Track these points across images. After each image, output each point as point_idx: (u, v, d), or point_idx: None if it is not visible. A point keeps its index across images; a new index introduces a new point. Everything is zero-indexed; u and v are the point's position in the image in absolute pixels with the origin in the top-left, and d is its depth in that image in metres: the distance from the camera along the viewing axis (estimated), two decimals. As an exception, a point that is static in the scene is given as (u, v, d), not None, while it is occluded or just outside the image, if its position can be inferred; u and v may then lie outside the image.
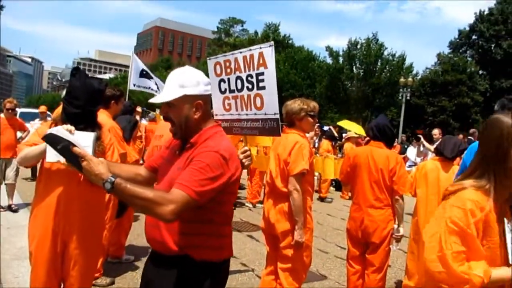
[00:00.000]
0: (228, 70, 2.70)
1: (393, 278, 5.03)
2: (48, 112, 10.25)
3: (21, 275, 4.12)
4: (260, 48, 2.50)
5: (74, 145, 1.77)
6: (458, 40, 37.65)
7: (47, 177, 2.80)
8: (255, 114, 2.59)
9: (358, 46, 34.11)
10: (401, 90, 27.76)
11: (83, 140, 2.65)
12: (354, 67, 34.50)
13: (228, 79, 2.71)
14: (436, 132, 8.80)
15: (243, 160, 2.44)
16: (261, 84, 2.52)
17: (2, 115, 7.25)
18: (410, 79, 27.86)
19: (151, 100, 2.01)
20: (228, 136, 2.29)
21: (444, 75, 33.07)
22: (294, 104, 3.40)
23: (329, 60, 37.08)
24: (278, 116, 2.51)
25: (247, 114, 2.64)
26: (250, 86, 2.58)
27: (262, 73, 2.50)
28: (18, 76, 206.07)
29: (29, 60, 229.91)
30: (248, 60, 2.56)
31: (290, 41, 46.24)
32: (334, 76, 34.51)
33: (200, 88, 1.89)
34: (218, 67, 2.76)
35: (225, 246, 1.94)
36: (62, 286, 2.89)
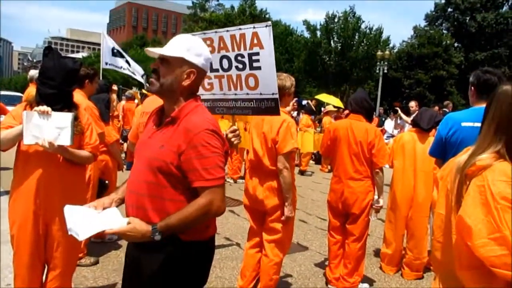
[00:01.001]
0: (210, 49, 2.56)
1: (372, 246, 5.19)
2: (20, 94, 9.94)
3: (3, 259, 4.08)
4: (254, 27, 2.44)
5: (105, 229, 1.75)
6: (434, 12, 37.88)
7: (25, 159, 2.75)
8: (248, 94, 2.54)
9: (336, 20, 33.96)
10: (378, 63, 27.92)
11: (61, 121, 2.63)
12: (331, 41, 34.39)
13: None
14: (412, 104, 8.95)
15: (232, 139, 2.44)
16: (255, 64, 2.46)
17: None
18: (387, 52, 28.04)
19: (149, 48, 1.91)
20: None
21: (420, 48, 33.36)
22: (286, 80, 3.41)
23: (306, 34, 36.86)
24: (277, 96, 2.47)
25: (235, 94, 2.59)
26: (240, 66, 2.52)
27: (257, 53, 2.44)
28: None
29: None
30: (238, 39, 2.49)
31: (267, 16, 45.66)
32: (312, 51, 34.37)
33: (200, 60, 1.87)
34: None
35: (210, 225, 1.93)
36: (46, 268, 2.89)
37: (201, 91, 2.69)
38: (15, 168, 2.82)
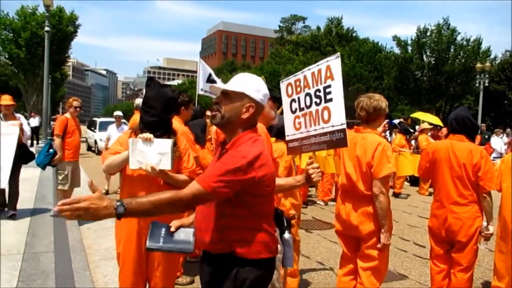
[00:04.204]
0: (298, 89, 2.69)
1: (480, 278, 4.73)
2: (124, 120, 10.81)
3: (109, 274, 4.40)
4: (327, 61, 2.49)
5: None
6: (541, 17, 34.58)
7: (129, 183, 2.96)
8: (323, 128, 2.54)
9: (428, 33, 32.44)
10: (477, 76, 26.05)
11: (162, 147, 2.80)
12: (424, 55, 32.88)
13: (298, 98, 2.69)
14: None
15: (312, 176, 2.43)
16: (328, 97, 2.49)
17: (67, 115, 6.75)
18: (487, 64, 26.14)
19: (214, 85, 2.13)
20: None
21: (527, 57, 30.54)
22: (381, 100, 3.32)
23: (396, 50, 35.65)
24: (345, 126, 2.45)
25: (315, 130, 2.59)
26: (318, 101, 2.55)
27: (329, 86, 2.47)
28: (96, 88, 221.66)
29: (104, 72, 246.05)
30: (316, 75, 2.54)
31: (354, 34, 45.14)
32: (403, 67, 33.07)
33: (258, 95, 2.01)
34: (289, 88, 2.77)
35: (269, 245, 2.01)
36: (147, 286, 3.04)
37: (292, 131, 2.73)
38: (121, 192, 3.04)
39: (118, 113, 10.76)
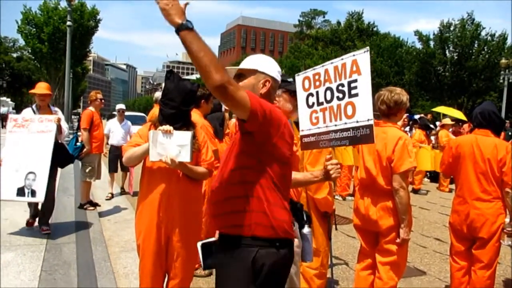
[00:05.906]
0: (317, 83, 2.62)
1: (501, 276, 4.63)
2: (143, 114, 10.75)
3: (129, 265, 4.46)
4: (354, 55, 2.41)
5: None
6: None
7: (149, 175, 2.99)
8: (345, 123, 2.47)
9: (451, 28, 31.78)
10: (502, 72, 25.43)
11: (181, 139, 2.81)
12: (447, 50, 32.23)
13: (317, 92, 2.62)
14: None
15: (331, 172, 2.38)
16: (353, 92, 2.41)
17: (92, 108, 6.88)
18: (512, 59, 25.44)
19: (228, 67, 2.02)
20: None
21: (554, 51, 29.64)
22: (402, 94, 3.27)
23: (418, 45, 35.03)
24: (372, 121, 2.37)
25: (336, 125, 2.53)
26: (340, 96, 2.48)
27: (355, 80, 2.40)
28: (116, 82, 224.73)
29: (124, 67, 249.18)
30: (340, 69, 2.47)
31: (375, 29, 44.56)
32: (424, 62, 32.46)
33: (272, 70, 2.07)
34: (306, 81, 2.70)
35: (278, 224, 1.89)
36: (167, 277, 3.07)
37: (308, 126, 2.68)
38: (141, 184, 3.07)
39: (121, 106, 9.06)
